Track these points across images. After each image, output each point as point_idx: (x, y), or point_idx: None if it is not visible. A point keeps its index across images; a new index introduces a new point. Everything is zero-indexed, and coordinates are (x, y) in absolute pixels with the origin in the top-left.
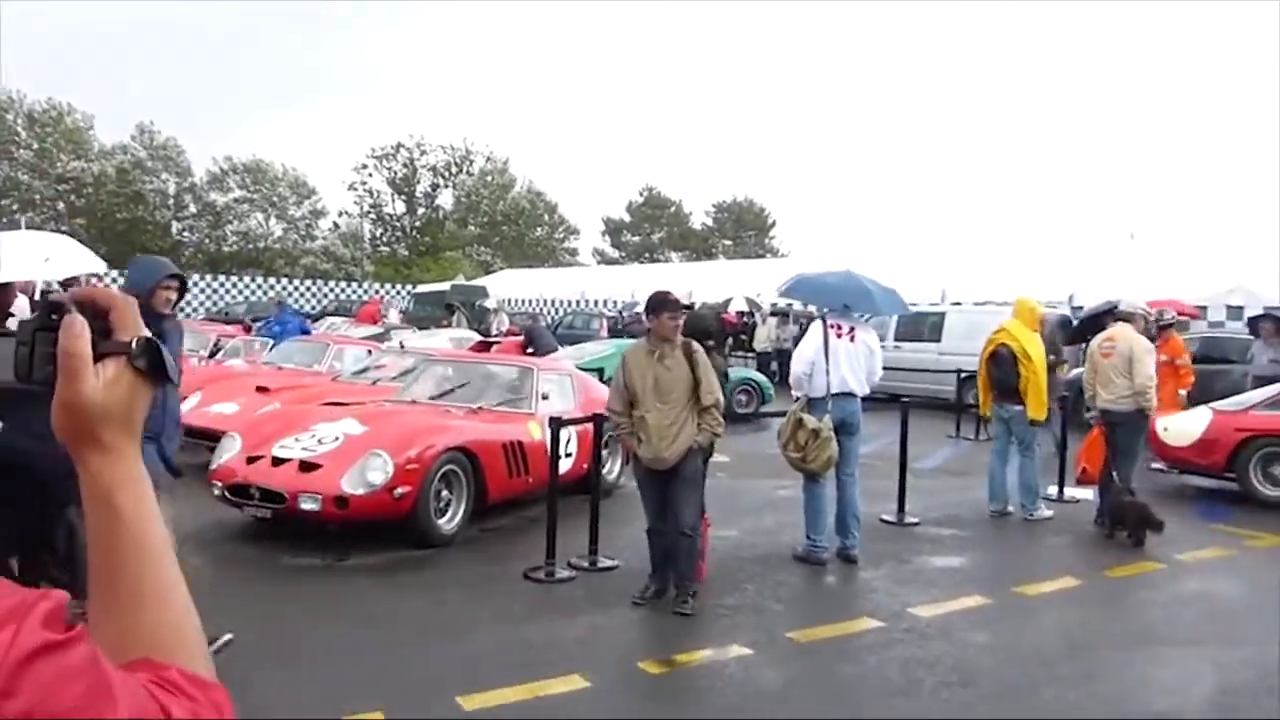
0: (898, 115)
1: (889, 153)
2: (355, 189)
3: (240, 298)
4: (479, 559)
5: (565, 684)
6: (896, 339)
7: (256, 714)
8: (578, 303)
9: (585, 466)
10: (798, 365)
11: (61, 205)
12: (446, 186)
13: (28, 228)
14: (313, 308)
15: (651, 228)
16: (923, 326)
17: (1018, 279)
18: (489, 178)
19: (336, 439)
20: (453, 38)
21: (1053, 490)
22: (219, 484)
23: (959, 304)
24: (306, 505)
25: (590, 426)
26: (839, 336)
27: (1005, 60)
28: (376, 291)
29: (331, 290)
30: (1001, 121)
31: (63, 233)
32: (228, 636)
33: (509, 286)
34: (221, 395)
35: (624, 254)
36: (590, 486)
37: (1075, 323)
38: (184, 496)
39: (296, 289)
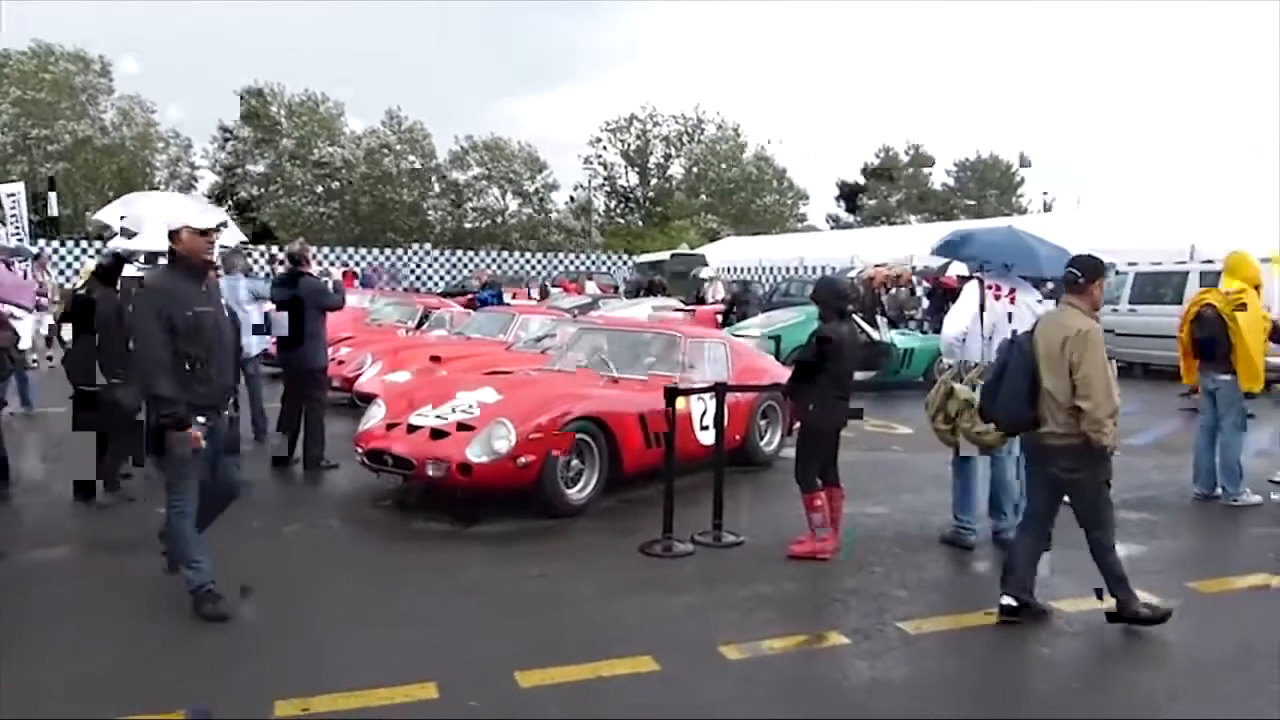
0: (1148, 56)
1: (1139, 96)
2: (590, 163)
3: (471, 274)
4: (602, 530)
5: (632, 665)
6: (1132, 302)
7: (304, 673)
8: (795, 269)
9: (739, 438)
10: (950, 330)
11: (320, 189)
12: (678, 156)
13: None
14: (541, 279)
15: (889, 190)
16: (1164, 287)
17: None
18: (719, 145)
19: (470, 407)
20: (693, 6)
21: None
22: (359, 449)
23: (1210, 261)
24: (433, 472)
25: (741, 398)
26: (997, 299)
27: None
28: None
29: (561, 262)
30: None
31: (319, 215)
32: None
33: (730, 254)
34: (400, 364)
35: (859, 218)
36: (716, 459)
37: None
38: (342, 461)
39: (527, 261)
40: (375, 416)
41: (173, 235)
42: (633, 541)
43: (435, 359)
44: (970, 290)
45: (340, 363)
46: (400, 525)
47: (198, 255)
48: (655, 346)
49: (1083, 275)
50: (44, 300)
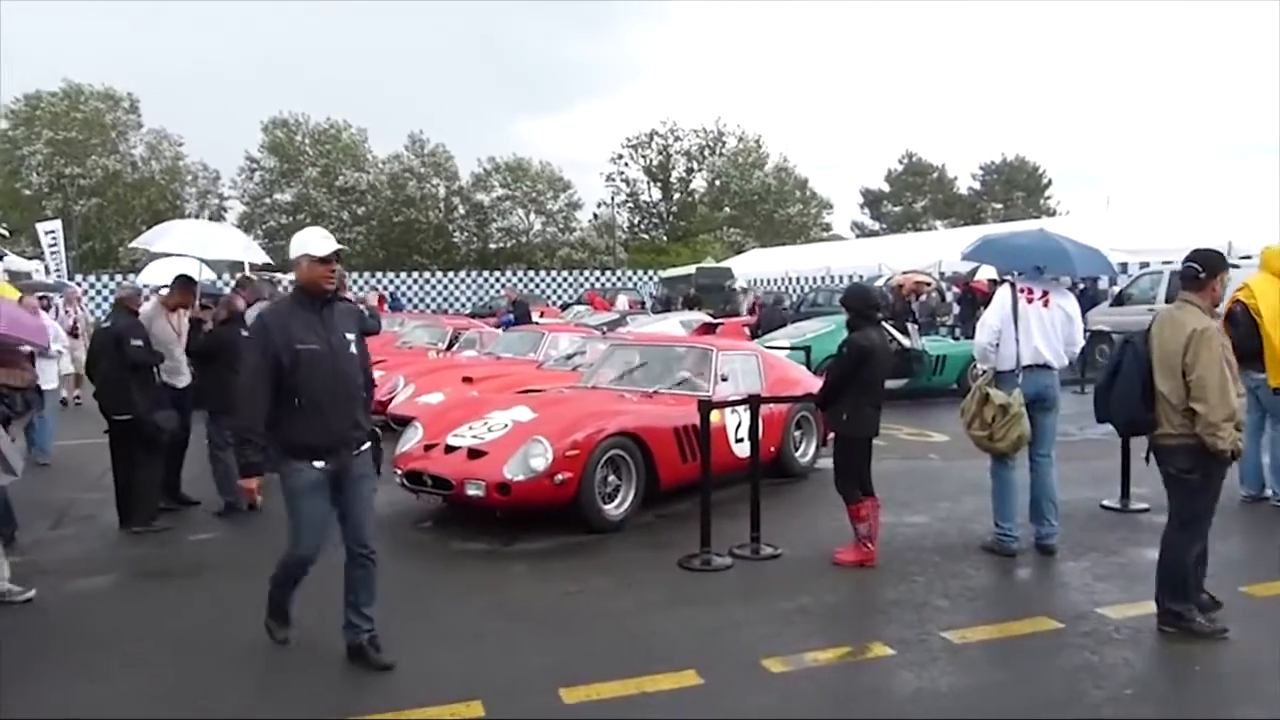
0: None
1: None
2: (612, 179)
3: (502, 293)
4: (641, 545)
5: (676, 680)
6: (1168, 300)
7: (351, 693)
8: (822, 279)
9: (774, 450)
10: (983, 335)
11: (346, 214)
12: (700, 170)
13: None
14: (567, 298)
15: (913, 196)
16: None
17: None
18: (738, 158)
19: (505, 426)
20: (703, 20)
21: None
22: (398, 471)
23: (1248, 257)
24: (472, 491)
25: (774, 409)
26: (1030, 302)
27: None
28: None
29: (585, 280)
30: None
31: (345, 240)
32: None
33: (756, 266)
34: (432, 386)
35: (884, 225)
36: (752, 472)
37: None
38: (382, 484)
39: (553, 280)
40: (413, 438)
41: (294, 264)
42: (671, 556)
43: (467, 380)
44: (1002, 294)
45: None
46: (440, 545)
47: (316, 285)
48: (688, 360)
49: (1203, 270)
50: (78, 335)
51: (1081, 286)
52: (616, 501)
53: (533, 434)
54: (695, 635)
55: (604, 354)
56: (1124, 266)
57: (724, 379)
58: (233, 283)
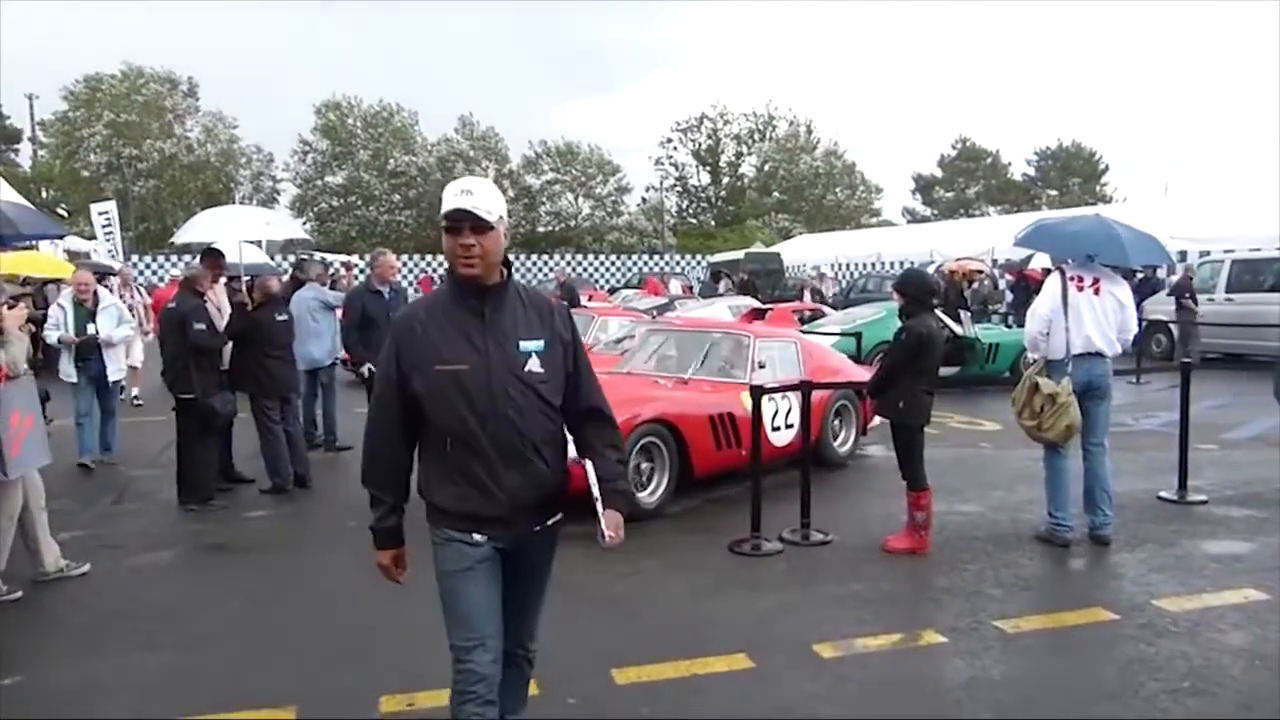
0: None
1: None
2: (661, 163)
3: (551, 275)
4: (690, 530)
5: (727, 663)
6: (1229, 290)
7: (407, 671)
8: (872, 265)
9: (812, 439)
10: (1033, 324)
11: (397, 197)
12: (750, 154)
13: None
14: (615, 282)
15: (966, 181)
16: (1263, 275)
17: None
18: (786, 142)
19: None
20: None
21: None
22: None
23: None
24: None
25: (815, 397)
26: (1080, 290)
27: None
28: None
29: (634, 264)
30: None
31: (395, 223)
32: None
33: (805, 252)
34: None
35: (936, 211)
36: (803, 458)
37: None
38: None
39: (601, 264)
40: None
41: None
42: (719, 540)
43: None
44: (1052, 283)
45: None
46: None
47: (456, 267)
48: (724, 347)
49: None
50: (132, 325)
51: (1141, 275)
52: (650, 489)
53: None
54: (746, 619)
55: (639, 339)
56: (1183, 255)
57: (761, 366)
58: (286, 263)
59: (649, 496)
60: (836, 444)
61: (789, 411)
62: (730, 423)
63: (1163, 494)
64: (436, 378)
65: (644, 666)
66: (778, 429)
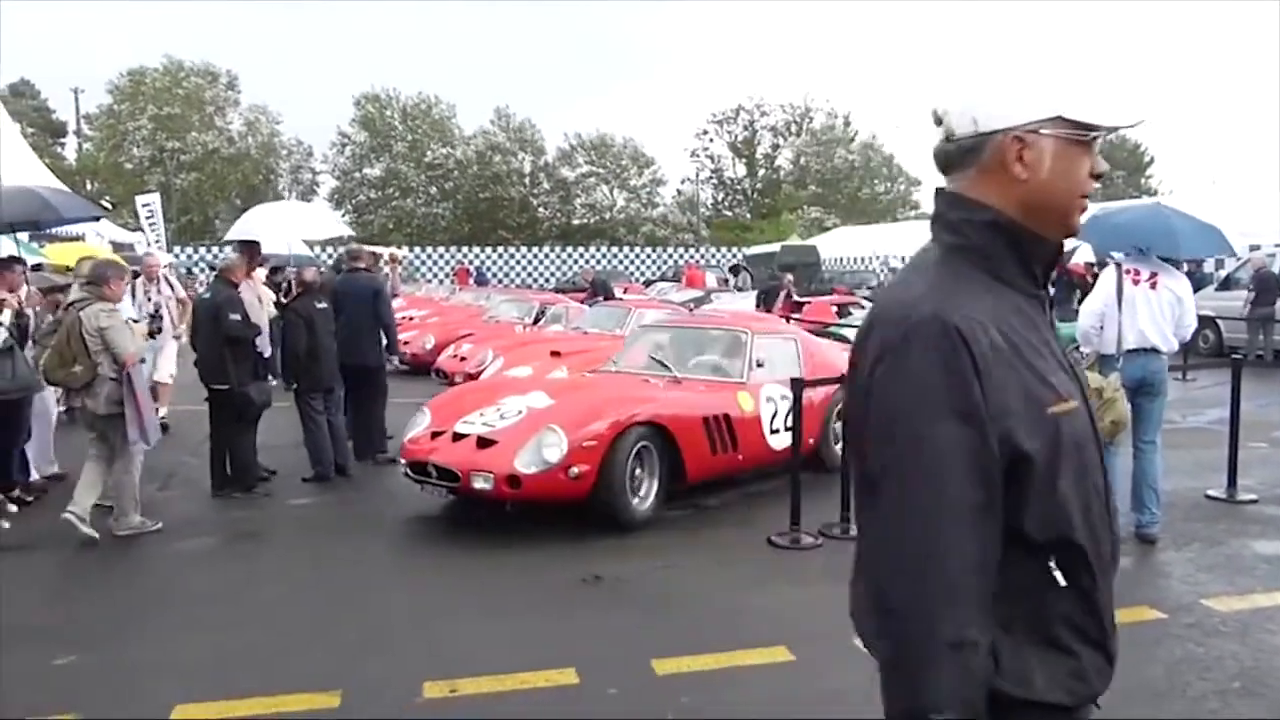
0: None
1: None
2: (696, 155)
3: (581, 274)
4: (729, 523)
5: (766, 655)
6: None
7: (449, 657)
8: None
9: (813, 442)
10: (1085, 319)
11: (434, 189)
12: (786, 146)
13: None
14: (650, 274)
15: None
16: None
17: None
18: (821, 135)
19: (519, 413)
20: None
21: None
22: (403, 461)
23: None
24: (479, 484)
25: (815, 397)
26: (1136, 284)
27: None
28: (683, 259)
29: (669, 256)
30: None
31: (432, 216)
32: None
33: (842, 245)
34: (521, 360)
35: None
36: (844, 451)
37: None
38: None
39: (636, 256)
40: (420, 424)
41: None
42: (757, 533)
43: (555, 354)
44: (1107, 277)
45: (462, 359)
46: (525, 517)
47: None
48: (720, 344)
49: None
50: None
51: (1186, 268)
52: (640, 496)
53: (547, 422)
54: (786, 612)
55: (632, 336)
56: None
57: (759, 364)
58: (332, 255)
59: (642, 504)
60: (838, 447)
61: (789, 413)
62: (726, 424)
63: (1211, 492)
64: (1055, 429)
65: (683, 658)
66: (776, 431)
